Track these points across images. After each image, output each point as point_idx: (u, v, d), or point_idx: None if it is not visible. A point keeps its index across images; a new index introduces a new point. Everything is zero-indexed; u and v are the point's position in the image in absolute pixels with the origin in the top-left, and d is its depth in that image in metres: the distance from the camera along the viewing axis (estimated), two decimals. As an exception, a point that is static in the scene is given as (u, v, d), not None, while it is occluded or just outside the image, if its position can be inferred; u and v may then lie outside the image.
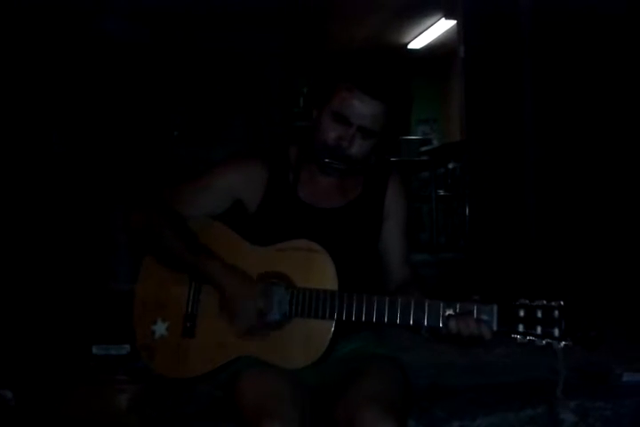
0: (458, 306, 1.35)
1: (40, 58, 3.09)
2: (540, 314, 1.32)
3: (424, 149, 5.90)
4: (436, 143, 6.55)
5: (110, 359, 1.92)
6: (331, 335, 1.42)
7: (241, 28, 3.35)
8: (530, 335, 1.32)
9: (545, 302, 1.33)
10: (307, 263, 1.45)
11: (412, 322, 1.37)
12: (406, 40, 7.47)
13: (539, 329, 1.31)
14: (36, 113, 3.10)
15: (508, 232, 3.86)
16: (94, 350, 1.96)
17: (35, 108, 3.09)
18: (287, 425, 1.29)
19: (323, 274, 1.43)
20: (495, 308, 1.34)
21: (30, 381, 1.86)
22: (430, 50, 7.59)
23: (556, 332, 1.31)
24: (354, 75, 1.46)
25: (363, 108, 1.44)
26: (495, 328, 1.34)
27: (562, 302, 1.32)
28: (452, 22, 6.38)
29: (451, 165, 5.55)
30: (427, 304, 1.37)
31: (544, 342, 1.31)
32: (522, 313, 1.33)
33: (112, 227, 3.11)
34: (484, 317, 1.34)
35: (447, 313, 1.35)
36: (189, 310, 1.52)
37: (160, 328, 1.53)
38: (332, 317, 1.41)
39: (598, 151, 3.62)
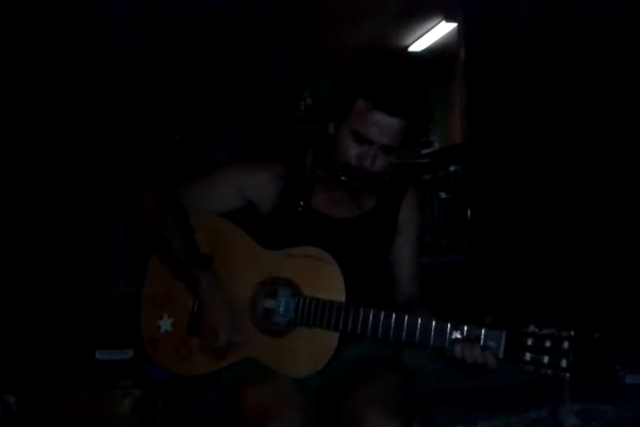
0: (465, 329, 1.32)
1: (41, 59, 3.09)
2: (548, 344, 1.28)
3: (425, 151, 5.90)
4: (437, 146, 6.56)
5: (114, 364, 1.92)
6: (334, 347, 1.42)
7: (242, 31, 3.36)
8: (536, 365, 1.28)
9: (555, 330, 1.29)
10: (316, 272, 1.44)
11: (416, 341, 1.35)
12: (407, 43, 7.48)
13: (546, 359, 1.27)
14: (37, 117, 3.10)
15: (511, 234, 3.85)
16: (97, 354, 1.97)
17: (35, 112, 3.09)
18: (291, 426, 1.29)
19: (331, 285, 1.42)
20: (504, 335, 1.30)
21: (33, 386, 1.86)
22: (431, 52, 7.59)
23: (564, 363, 1.26)
24: (372, 92, 1.41)
25: (384, 128, 1.42)
26: (501, 356, 1.30)
27: (572, 333, 1.27)
28: (453, 25, 6.38)
29: (452, 168, 5.55)
30: (433, 325, 1.34)
31: (549, 371, 1.28)
32: (530, 342, 1.28)
33: (114, 231, 3.12)
34: (491, 343, 1.30)
35: (454, 337, 1.32)
36: (195, 308, 1.52)
37: (166, 324, 1.55)
38: (336, 329, 1.40)
39: (600, 153, 3.61)
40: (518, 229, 3.82)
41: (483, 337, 1.31)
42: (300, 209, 1.52)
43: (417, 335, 1.35)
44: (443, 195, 5.49)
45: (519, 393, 1.98)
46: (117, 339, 1.93)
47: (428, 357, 2.30)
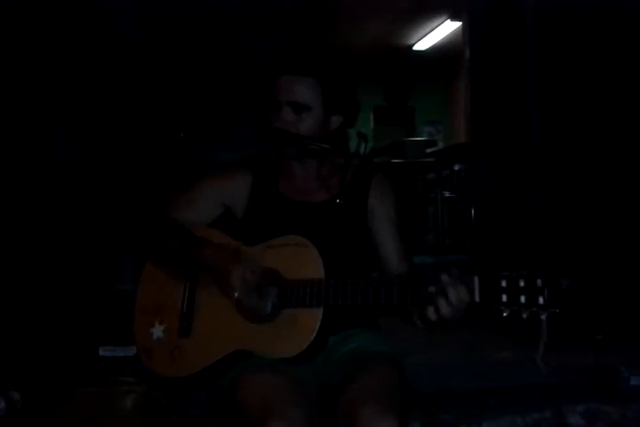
0: (440, 281, 1.34)
1: (45, 57, 3.09)
2: (522, 283, 1.28)
3: (429, 150, 5.89)
4: (441, 145, 6.54)
5: (117, 361, 1.92)
6: (319, 322, 1.44)
7: (246, 31, 3.35)
8: (514, 305, 1.28)
9: (526, 271, 1.30)
10: (294, 257, 1.49)
11: (395, 301, 1.37)
12: (412, 41, 7.48)
13: (522, 298, 1.28)
14: (42, 115, 3.10)
15: (514, 234, 3.85)
16: (101, 351, 1.97)
17: (40, 110, 3.09)
18: (293, 424, 1.29)
19: (310, 266, 1.46)
20: (476, 279, 1.32)
21: (37, 382, 1.86)
22: (436, 51, 7.59)
23: (541, 300, 1.26)
24: (279, 62, 1.56)
25: (289, 86, 1.53)
26: (478, 299, 1.31)
27: (544, 271, 1.29)
28: (458, 24, 6.38)
29: (456, 167, 5.54)
30: (410, 284, 1.37)
31: (529, 311, 1.28)
32: (504, 283, 1.29)
33: (117, 227, 3.11)
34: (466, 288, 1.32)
35: (430, 290, 1.34)
36: (184, 309, 1.55)
37: (157, 331, 1.57)
38: (319, 304, 1.43)
39: (604, 152, 3.61)
40: (522, 228, 3.81)
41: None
42: (271, 200, 1.60)
43: (395, 295, 1.37)
44: (447, 194, 5.48)
45: (523, 394, 1.98)
46: (121, 336, 1.93)
47: (429, 356, 2.32)
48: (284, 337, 1.45)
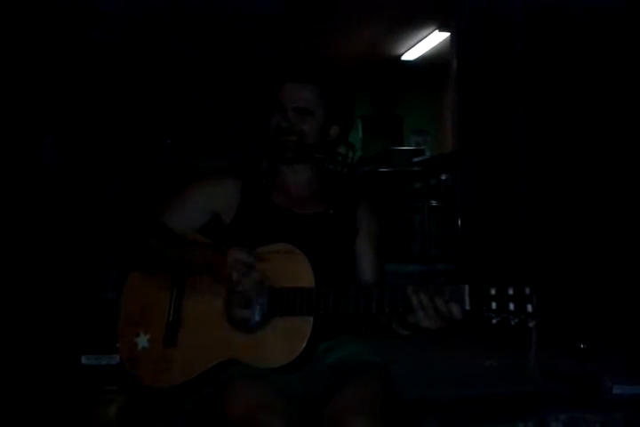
0: (431, 289, 1.36)
1: (30, 63, 3.08)
2: (511, 291, 1.32)
3: (417, 159, 5.91)
4: (428, 154, 6.56)
5: (100, 369, 1.91)
6: (310, 331, 1.43)
7: (236, 38, 3.37)
8: (503, 313, 1.31)
9: (515, 280, 1.34)
10: (284, 265, 1.49)
11: (386, 307, 1.39)
12: (400, 51, 7.53)
13: (511, 306, 1.31)
14: (28, 123, 3.09)
15: (501, 243, 3.86)
16: (84, 359, 1.96)
17: (26, 117, 3.08)
18: None
19: (300, 273, 1.47)
20: (467, 287, 1.35)
21: (18, 391, 1.84)
22: (424, 61, 7.65)
23: (529, 307, 1.30)
24: (285, 71, 1.64)
25: (293, 92, 1.60)
26: (468, 307, 1.34)
27: (532, 280, 1.33)
28: (446, 34, 6.43)
29: (443, 176, 5.56)
30: (400, 290, 1.38)
31: (517, 319, 1.31)
32: (493, 291, 1.33)
33: (102, 236, 3.10)
34: (457, 297, 1.34)
35: (421, 297, 1.35)
36: (170, 319, 1.54)
37: (142, 341, 1.54)
38: (310, 312, 1.43)
39: (591, 162, 3.64)
40: (508, 237, 3.83)
41: (448, 293, 1.35)
42: (262, 207, 1.60)
43: (386, 302, 1.39)
44: (433, 203, 5.49)
45: (506, 402, 1.98)
46: (104, 344, 1.92)
47: (413, 365, 2.32)
48: (274, 346, 1.44)
